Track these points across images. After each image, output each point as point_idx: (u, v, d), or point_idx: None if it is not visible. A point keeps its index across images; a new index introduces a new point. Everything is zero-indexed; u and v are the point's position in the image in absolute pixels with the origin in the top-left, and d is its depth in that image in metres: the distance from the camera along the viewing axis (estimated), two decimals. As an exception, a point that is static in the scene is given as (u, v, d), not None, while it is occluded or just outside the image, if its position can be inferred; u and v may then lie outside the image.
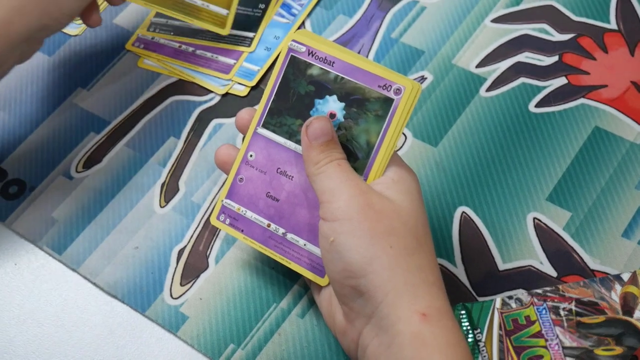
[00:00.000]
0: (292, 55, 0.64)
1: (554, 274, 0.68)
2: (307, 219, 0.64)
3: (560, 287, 0.64)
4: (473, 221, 0.71)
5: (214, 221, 0.67)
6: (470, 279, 0.69)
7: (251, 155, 0.65)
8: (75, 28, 0.86)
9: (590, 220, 0.70)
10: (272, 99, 0.65)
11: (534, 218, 0.71)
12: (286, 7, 0.85)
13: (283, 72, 0.65)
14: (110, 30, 0.86)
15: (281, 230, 0.65)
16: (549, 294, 0.64)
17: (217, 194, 0.74)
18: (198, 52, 0.83)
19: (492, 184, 0.73)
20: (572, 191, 0.72)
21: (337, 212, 0.59)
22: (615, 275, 0.65)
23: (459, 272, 0.69)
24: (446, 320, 0.57)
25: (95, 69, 0.83)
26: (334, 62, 0.63)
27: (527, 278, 0.68)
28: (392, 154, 0.62)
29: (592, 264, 0.68)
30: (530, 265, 0.69)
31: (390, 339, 0.57)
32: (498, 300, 0.64)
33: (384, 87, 0.62)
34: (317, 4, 0.86)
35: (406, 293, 0.57)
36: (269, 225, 0.65)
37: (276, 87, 0.65)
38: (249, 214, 0.66)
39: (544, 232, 0.70)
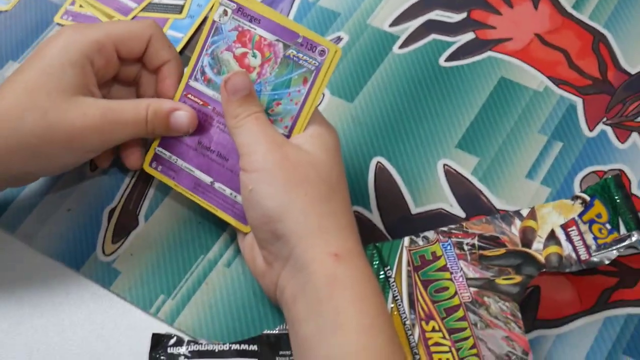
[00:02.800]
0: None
1: (462, 215, 0.73)
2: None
3: (464, 224, 0.69)
4: (387, 170, 0.76)
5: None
6: (384, 223, 0.73)
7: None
8: (6, 4, 0.89)
9: (496, 164, 0.75)
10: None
11: (444, 164, 0.75)
12: None
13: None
14: (40, 4, 0.89)
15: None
16: (453, 231, 0.68)
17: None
18: (124, 22, 0.86)
19: (405, 135, 0.77)
20: (480, 138, 0.76)
21: (255, 164, 0.63)
22: (515, 211, 0.69)
23: (374, 217, 0.73)
24: (357, 260, 0.61)
25: (26, 41, 0.86)
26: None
27: (438, 220, 0.73)
28: (314, 111, 0.66)
29: (498, 204, 0.73)
30: (441, 208, 0.73)
31: (306, 279, 0.61)
32: (406, 239, 0.68)
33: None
34: (237, -27, 0.89)
35: (320, 236, 0.61)
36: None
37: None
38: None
39: (453, 177, 0.75)
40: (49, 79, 0.66)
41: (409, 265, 0.67)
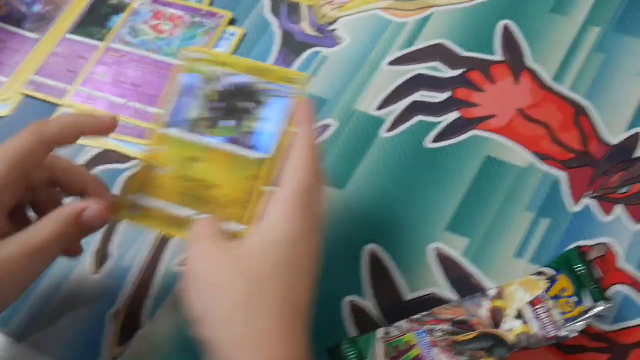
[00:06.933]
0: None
1: (456, 298, 0.75)
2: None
3: (434, 310, 0.71)
4: (380, 257, 0.78)
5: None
6: (381, 311, 0.75)
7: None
8: (4, 108, 0.92)
9: (486, 245, 0.77)
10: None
11: (435, 248, 0.77)
12: (198, 70, 0.92)
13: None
14: (38, 108, 0.92)
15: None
16: (425, 319, 0.70)
17: (146, 256, 0.80)
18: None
19: (396, 220, 0.79)
20: (469, 219, 0.78)
21: (187, 263, 0.63)
22: (484, 292, 0.71)
23: (370, 305, 0.75)
24: None
25: (26, 147, 0.89)
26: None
27: (432, 305, 0.74)
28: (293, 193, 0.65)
29: (490, 285, 0.75)
30: (434, 293, 0.75)
31: None
32: (381, 330, 0.70)
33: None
34: (226, 64, 0.92)
35: (240, 348, 0.59)
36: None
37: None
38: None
39: (445, 261, 0.77)
40: None
41: (385, 356, 0.69)
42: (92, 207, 0.67)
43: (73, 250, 0.73)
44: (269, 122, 0.69)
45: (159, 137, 0.71)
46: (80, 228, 0.67)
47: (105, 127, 0.69)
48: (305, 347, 0.60)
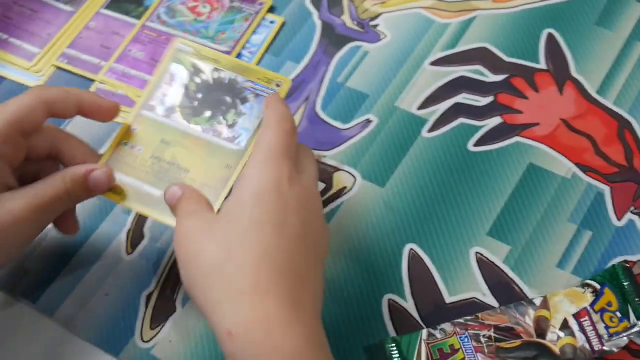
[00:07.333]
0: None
1: (496, 304, 0.74)
2: None
3: (479, 315, 0.71)
4: (420, 257, 0.77)
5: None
6: (419, 312, 0.74)
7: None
8: (37, 80, 0.90)
9: (528, 253, 0.76)
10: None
11: (477, 252, 0.77)
12: (238, 56, 0.91)
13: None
14: (69, 80, 0.90)
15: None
16: (469, 323, 0.70)
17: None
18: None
19: (437, 221, 0.79)
20: (511, 226, 0.78)
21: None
22: (529, 301, 0.71)
23: (409, 306, 0.75)
24: (253, 335, 0.58)
25: (59, 122, 0.88)
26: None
27: (472, 309, 0.74)
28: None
29: (531, 294, 0.74)
30: (475, 298, 0.75)
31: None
32: (424, 332, 0.70)
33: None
34: (266, 51, 0.91)
35: (215, 312, 0.59)
36: None
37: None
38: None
39: (485, 266, 0.76)
40: None
41: (428, 358, 0.68)
42: (100, 169, 0.69)
43: (70, 227, 0.74)
44: (246, 117, 0.71)
45: (136, 117, 0.73)
46: (86, 189, 0.69)
47: (105, 112, 0.71)
48: (305, 313, 0.59)
